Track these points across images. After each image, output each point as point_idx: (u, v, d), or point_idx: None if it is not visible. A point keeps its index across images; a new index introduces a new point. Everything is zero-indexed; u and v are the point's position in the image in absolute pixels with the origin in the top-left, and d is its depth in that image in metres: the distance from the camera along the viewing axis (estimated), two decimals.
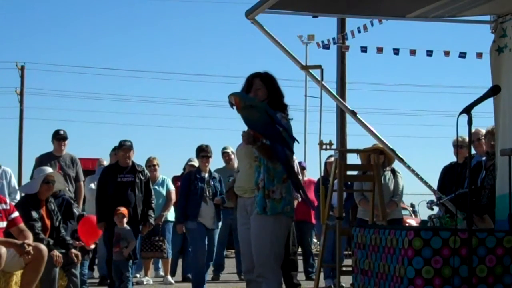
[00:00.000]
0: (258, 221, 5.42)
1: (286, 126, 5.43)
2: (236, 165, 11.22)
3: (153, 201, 9.26)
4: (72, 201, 9.31)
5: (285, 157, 5.35)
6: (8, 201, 7.41)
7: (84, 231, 8.77)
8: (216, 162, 11.26)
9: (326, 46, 8.91)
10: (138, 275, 11.07)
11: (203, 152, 9.27)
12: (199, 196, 9.08)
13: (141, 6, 56.70)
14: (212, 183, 9.26)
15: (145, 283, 10.72)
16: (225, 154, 11.22)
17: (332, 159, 8.99)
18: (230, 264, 12.45)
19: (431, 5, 6.93)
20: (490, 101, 6.58)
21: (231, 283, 10.90)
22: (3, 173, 9.50)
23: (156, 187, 10.68)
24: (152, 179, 10.00)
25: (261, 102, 5.48)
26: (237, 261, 11.58)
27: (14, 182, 9.65)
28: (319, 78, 7.91)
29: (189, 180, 9.19)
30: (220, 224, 9.50)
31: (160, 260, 11.47)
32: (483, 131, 8.03)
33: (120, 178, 9.02)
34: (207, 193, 9.15)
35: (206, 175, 9.25)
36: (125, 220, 8.69)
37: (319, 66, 7.86)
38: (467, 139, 5.35)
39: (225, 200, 9.40)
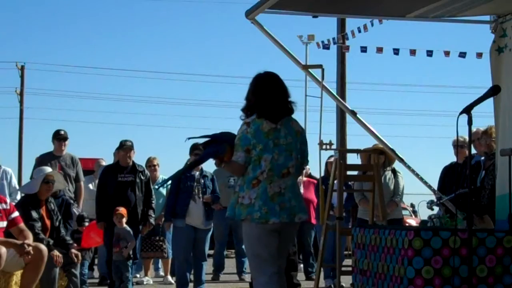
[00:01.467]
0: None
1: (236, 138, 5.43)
2: None
3: (153, 201, 9.25)
4: (72, 201, 9.32)
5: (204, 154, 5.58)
6: (8, 201, 7.40)
7: (88, 234, 8.80)
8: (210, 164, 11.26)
9: (326, 46, 8.91)
10: (138, 275, 11.08)
11: (197, 150, 9.18)
12: (188, 194, 8.98)
13: (141, 6, 56.78)
14: (203, 181, 9.14)
15: (145, 283, 10.72)
16: None
17: (332, 159, 8.99)
18: (230, 264, 12.44)
19: (431, 5, 6.93)
20: (490, 101, 6.58)
21: (231, 283, 10.90)
22: (4, 173, 9.50)
23: (156, 187, 10.68)
24: (152, 179, 10.00)
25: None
26: (237, 261, 11.56)
27: (15, 182, 9.64)
28: (319, 78, 7.91)
29: (179, 178, 9.12)
30: (211, 223, 9.39)
31: (160, 260, 11.46)
32: None
33: (121, 178, 9.02)
34: (196, 191, 9.05)
35: (197, 173, 9.16)
36: (124, 220, 8.69)
37: (320, 66, 7.85)
38: (467, 139, 5.35)
39: (217, 199, 9.34)
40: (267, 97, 5.44)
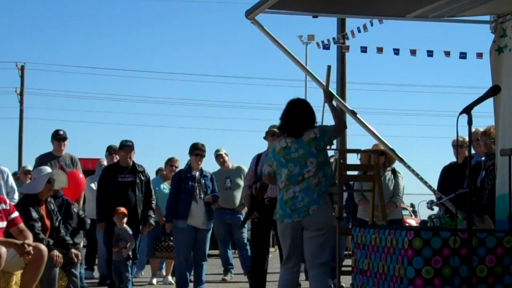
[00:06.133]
0: None
1: None
2: (230, 165, 11.23)
3: (153, 201, 9.24)
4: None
5: None
6: (8, 201, 7.39)
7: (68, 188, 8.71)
8: (212, 164, 11.25)
9: (326, 46, 8.92)
10: (142, 272, 11.16)
11: (197, 150, 9.15)
12: (189, 195, 8.97)
13: (141, 6, 56.79)
14: (203, 181, 9.12)
15: (155, 283, 10.75)
16: (218, 157, 11.12)
17: (332, 159, 8.98)
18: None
19: (431, 5, 6.93)
20: (490, 101, 6.57)
21: (231, 283, 10.90)
22: (0, 173, 9.48)
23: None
24: (166, 178, 10.79)
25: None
26: (241, 260, 11.44)
27: (12, 181, 9.61)
28: (322, 80, 7.88)
29: (180, 179, 9.07)
30: (211, 223, 9.38)
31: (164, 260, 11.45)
32: None
33: (121, 178, 9.01)
34: (198, 191, 9.04)
35: (197, 173, 9.12)
36: (125, 220, 8.69)
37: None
38: (467, 139, 5.34)
39: (217, 198, 9.32)
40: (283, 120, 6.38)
